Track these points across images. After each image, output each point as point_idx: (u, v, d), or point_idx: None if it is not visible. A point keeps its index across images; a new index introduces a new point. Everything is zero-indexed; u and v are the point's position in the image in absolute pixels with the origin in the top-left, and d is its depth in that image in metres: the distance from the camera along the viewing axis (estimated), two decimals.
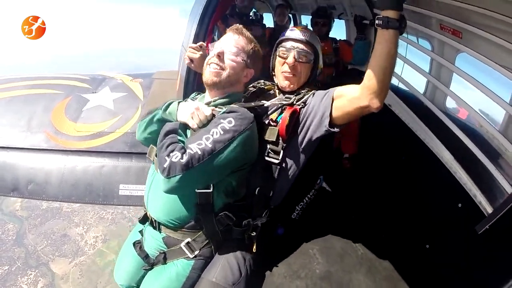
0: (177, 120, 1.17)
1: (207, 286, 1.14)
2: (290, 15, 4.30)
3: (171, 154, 1.01)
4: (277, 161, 1.25)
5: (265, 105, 1.32)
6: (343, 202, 1.89)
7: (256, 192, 1.26)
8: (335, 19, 3.05)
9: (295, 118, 1.23)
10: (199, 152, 1.01)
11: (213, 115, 1.15)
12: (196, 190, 1.12)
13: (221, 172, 1.11)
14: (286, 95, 1.33)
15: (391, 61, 0.98)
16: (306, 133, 1.24)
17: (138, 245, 1.36)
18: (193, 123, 1.13)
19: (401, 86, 2.69)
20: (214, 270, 1.17)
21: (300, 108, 1.24)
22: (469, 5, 1.51)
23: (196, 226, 1.20)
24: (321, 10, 2.92)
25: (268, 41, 2.81)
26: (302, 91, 1.34)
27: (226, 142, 1.05)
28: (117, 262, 1.50)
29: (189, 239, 1.20)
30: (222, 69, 1.22)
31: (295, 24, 4.69)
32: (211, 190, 1.14)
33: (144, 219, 1.36)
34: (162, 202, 1.21)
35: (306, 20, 4.34)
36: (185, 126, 1.16)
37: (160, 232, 1.25)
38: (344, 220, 1.74)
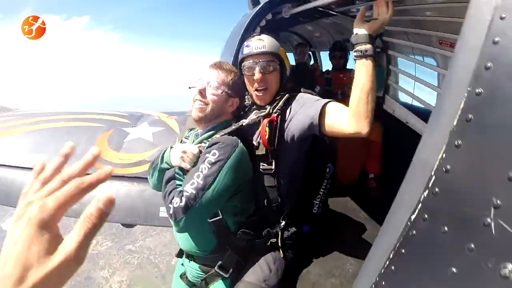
0: (173, 166, 1.25)
1: (241, 287, 1.22)
2: (310, 53, 4.55)
3: (172, 201, 1.11)
4: (272, 171, 1.31)
5: (244, 124, 1.32)
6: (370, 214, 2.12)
7: (265, 203, 1.35)
8: (350, 51, 3.36)
9: (274, 126, 1.27)
10: (194, 192, 1.11)
11: (200, 151, 1.24)
12: (208, 220, 1.23)
13: (220, 200, 1.18)
14: (262, 108, 1.35)
15: (372, 86, 1.08)
16: (293, 136, 1.28)
17: (184, 276, 1.48)
18: (185, 165, 1.22)
19: (415, 103, 2.86)
20: (246, 273, 1.25)
21: (278, 115, 1.27)
22: (458, 18, 1.73)
23: (222, 249, 1.31)
24: (337, 44, 3.17)
25: (290, 77, 3.29)
26: (277, 98, 1.35)
27: (215, 174, 1.14)
28: None
29: (220, 262, 1.30)
30: (206, 104, 1.30)
31: (315, 61, 4.80)
32: (220, 216, 1.24)
33: (180, 253, 1.48)
34: (185, 238, 1.35)
35: (324, 55, 4.65)
36: (181, 168, 1.25)
37: (195, 261, 1.38)
38: (372, 227, 1.96)
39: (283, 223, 1.37)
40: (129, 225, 3.00)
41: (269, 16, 2.47)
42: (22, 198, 0.41)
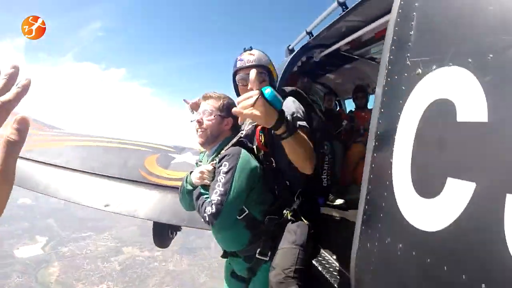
0: (195, 186, 1.54)
1: (277, 254, 1.42)
2: (336, 102, 5.03)
3: (206, 210, 1.36)
4: (274, 165, 1.53)
5: (243, 134, 1.50)
6: None
7: (280, 192, 1.56)
8: (370, 94, 3.80)
9: (267, 131, 1.44)
10: (219, 198, 1.35)
11: (214, 167, 1.49)
12: (238, 218, 1.45)
13: (241, 198, 1.41)
14: None
15: (300, 152, 1.28)
16: None
17: (233, 274, 1.70)
18: (206, 182, 1.48)
19: None
20: (279, 244, 1.46)
21: None
22: None
23: (257, 238, 1.51)
24: (359, 87, 3.75)
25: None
26: None
27: (231, 179, 1.38)
28: None
29: (259, 249, 1.50)
30: (205, 129, 1.55)
31: (340, 107, 5.28)
32: (247, 211, 1.47)
33: (225, 254, 1.70)
34: (225, 238, 1.59)
35: (348, 102, 5.16)
36: (203, 186, 1.51)
37: (238, 256, 1.58)
38: None
39: (298, 201, 1.55)
40: (176, 228, 3.25)
41: (304, 58, 2.97)
42: None
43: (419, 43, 0.83)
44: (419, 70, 0.79)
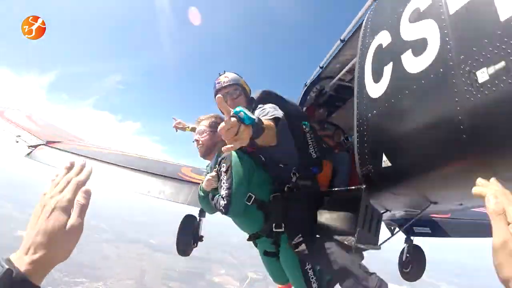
0: (207, 191, 1.99)
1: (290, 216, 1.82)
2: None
3: (220, 204, 1.77)
4: (263, 159, 1.94)
5: None
6: None
7: (277, 175, 1.91)
8: None
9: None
10: (226, 192, 1.74)
11: (216, 172, 1.90)
12: (248, 203, 1.82)
13: (244, 186, 1.79)
14: None
15: (268, 139, 1.54)
16: None
17: (265, 252, 2.08)
18: (213, 185, 1.92)
19: None
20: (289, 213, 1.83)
21: None
22: None
23: (270, 215, 1.87)
24: None
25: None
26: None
27: (230, 175, 1.77)
28: (270, 274, 2.26)
29: (274, 224, 1.87)
30: (202, 145, 2.01)
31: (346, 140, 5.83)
32: (253, 196, 1.84)
33: (249, 237, 2.04)
34: (245, 223, 1.98)
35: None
36: (214, 189, 1.96)
37: (261, 235, 1.96)
38: None
39: (295, 178, 1.89)
40: (199, 238, 3.59)
41: (317, 91, 3.54)
42: (43, 195, 0.63)
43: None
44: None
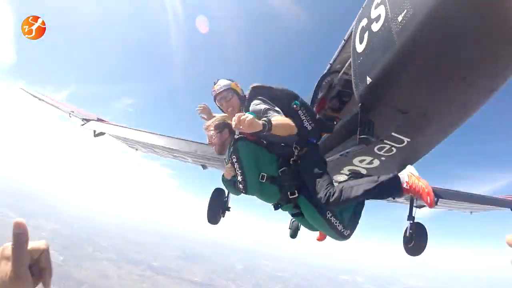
0: (228, 179, 2.51)
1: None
2: None
3: (240, 186, 2.25)
4: (265, 143, 2.32)
5: (237, 135, 2.33)
6: None
7: (279, 151, 2.32)
8: None
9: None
10: (241, 177, 2.20)
11: (231, 163, 2.32)
12: (262, 181, 2.22)
13: (253, 169, 2.19)
14: None
15: (281, 130, 2.07)
16: None
17: (293, 214, 2.50)
18: (232, 174, 2.42)
19: None
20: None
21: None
22: None
23: (283, 187, 2.27)
24: None
25: None
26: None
27: (241, 162, 2.19)
28: (306, 228, 2.61)
29: (289, 192, 2.27)
30: (214, 145, 2.48)
31: None
32: (265, 174, 2.23)
33: (274, 207, 2.44)
34: (267, 196, 2.35)
35: None
36: (233, 176, 2.41)
37: (283, 203, 2.35)
38: None
39: (296, 151, 2.33)
40: (227, 208, 4.23)
41: (327, 84, 4.10)
42: None
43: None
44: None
